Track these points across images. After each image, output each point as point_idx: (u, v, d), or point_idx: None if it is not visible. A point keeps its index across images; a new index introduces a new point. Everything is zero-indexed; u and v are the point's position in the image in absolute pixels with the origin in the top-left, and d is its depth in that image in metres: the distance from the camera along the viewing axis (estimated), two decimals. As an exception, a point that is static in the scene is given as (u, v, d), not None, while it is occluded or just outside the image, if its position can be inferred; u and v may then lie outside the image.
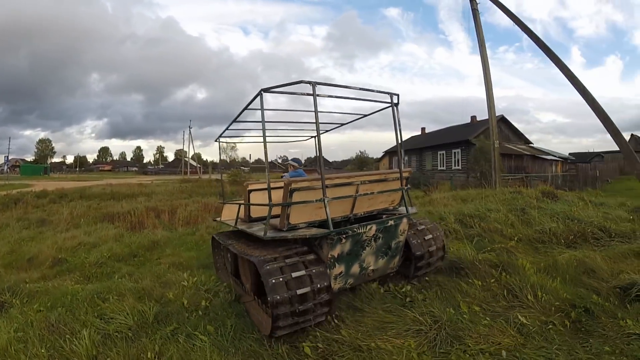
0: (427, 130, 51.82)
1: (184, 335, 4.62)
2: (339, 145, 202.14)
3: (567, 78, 14.92)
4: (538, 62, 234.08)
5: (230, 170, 46.52)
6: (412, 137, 54.15)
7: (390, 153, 52.53)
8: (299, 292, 4.16)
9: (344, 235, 4.65)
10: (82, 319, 5.11)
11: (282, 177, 8.78)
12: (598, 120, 13.74)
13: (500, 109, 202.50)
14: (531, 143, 39.54)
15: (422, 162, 43.25)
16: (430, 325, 4.41)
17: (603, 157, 47.11)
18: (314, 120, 4.54)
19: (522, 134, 39.57)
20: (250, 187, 6.56)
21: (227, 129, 6.61)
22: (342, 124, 6.03)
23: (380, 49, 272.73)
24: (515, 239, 8.14)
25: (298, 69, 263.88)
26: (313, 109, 4.47)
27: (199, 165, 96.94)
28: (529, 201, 11.40)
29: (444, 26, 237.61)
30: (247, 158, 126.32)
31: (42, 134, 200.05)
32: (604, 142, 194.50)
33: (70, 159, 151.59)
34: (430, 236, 6.05)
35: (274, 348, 4.28)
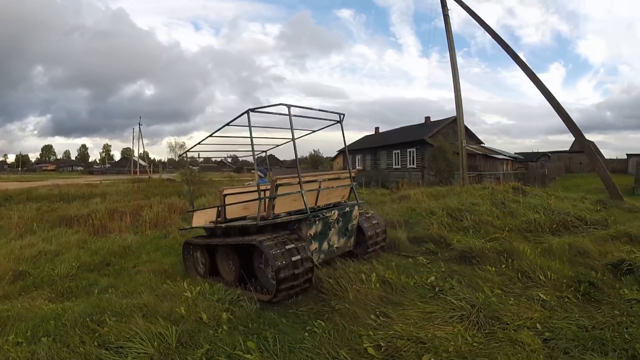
0: (381, 130, 52.85)
1: (223, 358, 3.96)
2: (288, 144, 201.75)
3: (534, 84, 15.92)
4: (485, 67, 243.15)
5: (183, 170, 45.77)
6: (365, 136, 55.13)
7: (344, 152, 53.08)
8: (293, 259, 5.24)
9: (317, 218, 5.94)
10: (81, 351, 4.07)
11: (246, 184, 9.58)
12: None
13: (447, 110, 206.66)
14: (482, 143, 41.06)
15: (377, 160, 44.24)
16: (470, 310, 4.73)
17: (550, 157, 49.34)
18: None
19: (474, 134, 41.09)
20: (225, 192, 7.39)
21: (199, 143, 7.37)
22: (298, 138, 6.74)
23: (332, 50, 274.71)
24: (507, 229, 8.77)
25: (249, 67, 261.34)
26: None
27: (145, 165, 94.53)
28: (506, 195, 12.09)
29: (395, 29, 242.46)
30: (196, 157, 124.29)
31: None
32: (546, 143, 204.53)
33: (11, 158, 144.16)
34: (376, 222, 7.39)
35: (334, 354, 3.97)
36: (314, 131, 7.82)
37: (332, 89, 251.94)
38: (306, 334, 4.37)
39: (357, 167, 47.60)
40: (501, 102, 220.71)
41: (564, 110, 15.32)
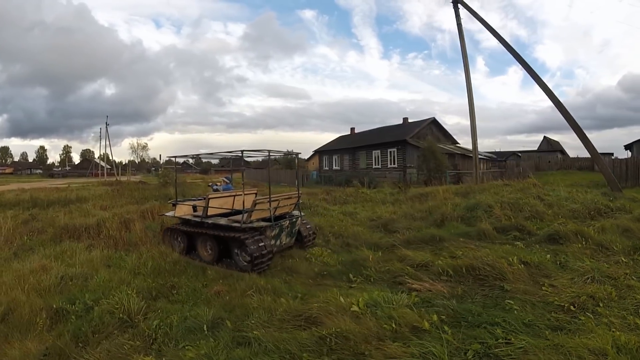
0: (357, 130, 54.07)
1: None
2: (251, 144, 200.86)
3: (539, 86, 17.27)
4: (445, 69, 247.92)
5: (160, 172, 45.44)
6: (341, 136, 56.35)
7: (320, 152, 54.17)
8: (262, 249, 7.89)
9: (276, 225, 8.64)
10: None
11: (212, 185, 12.04)
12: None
13: (408, 112, 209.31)
14: (458, 143, 42.83)
15: (356, 160, 45.27)
16: (590, 276, 6.03)
17: (520, 156, 51.76)
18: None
19: (450, 135, 42.90)
20: (210, 196, 9.58)
21: (188, 156, 11.01)
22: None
23: (295, 51, 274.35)
24: (559, 216, 10.17)
25: (212, 68, 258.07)
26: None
27: (107, 167, 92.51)
28: (529, 190, 13.45)
29: (357, 30, 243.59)
30: (157, 158, 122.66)
31: None
32: (504, 143, 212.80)
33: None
34: (310, 226, 10.12)
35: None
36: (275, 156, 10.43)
37: (294, 90, 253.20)
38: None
39: (334, 167, 48.77)
40: (461, 104, 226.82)
41: (567, 110, 16.79)
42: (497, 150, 59.36)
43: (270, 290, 6.28)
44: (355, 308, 4.82)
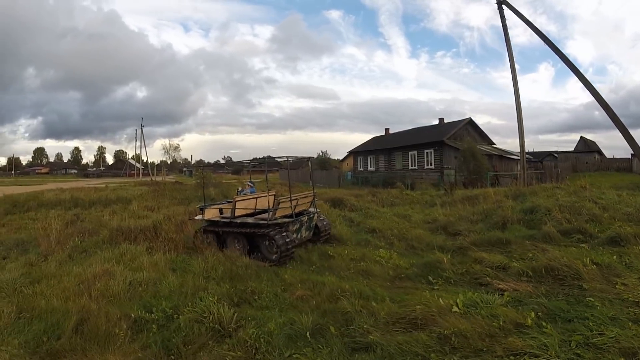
0: (391, 131, 54.29)
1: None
2: (280, 144, 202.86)
3: (582, 83, 17.51)
4: (474, 67, 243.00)
5: (196, 173, 46.56)
6: (375, 137, 56.69)
7: (354, 153, 54.71)
8: (288, 241, 9.14)
9: (297, 220, 9.96)
10: None
11: (239, 190, 13.75)
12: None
13: (437, 111, 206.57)
14: (494, 144, 42.72)
15: (392, 161, 45.46)
16: None
17: (556, 157, 51.25)
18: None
19: (486, 136, 42.68)
20: (236, 199, 10.68)
21: (225, 164, 12.08)
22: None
23: (323, 52, 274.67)
24: (616, 219, 10.61)
25: (241, 70, 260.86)
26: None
27: (140, 167, 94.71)
28: (581, 194, 13.83)
29: (383, 30, 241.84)
30: (189, 159, 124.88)
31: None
32: (536, 142, 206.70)
33: (2, 161, 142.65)
34: (326, 222, 11.49)
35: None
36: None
37: (323, 91, 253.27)
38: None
39: (369, 168, 49.25)
40: (490, 103, 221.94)
41: (613, 111, 17.01)
42: (531, 150, 58.78)
43: (356, 294, 6.40)
44: (456, 309, 5.17)
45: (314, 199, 11.40)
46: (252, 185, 13.18)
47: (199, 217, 11.33)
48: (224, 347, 4.96)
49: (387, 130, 54.83)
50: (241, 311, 5.94)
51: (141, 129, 73.57)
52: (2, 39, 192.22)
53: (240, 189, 13.94)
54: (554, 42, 19.17)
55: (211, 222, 10.77)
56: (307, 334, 5.08)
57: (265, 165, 15.41)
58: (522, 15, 20.95)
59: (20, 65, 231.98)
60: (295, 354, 4.64)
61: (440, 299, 5.54)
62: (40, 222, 14.78)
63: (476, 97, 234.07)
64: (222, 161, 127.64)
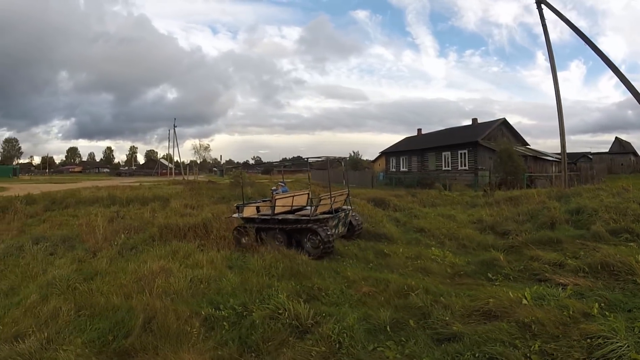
0: (423, 132, 54.30)
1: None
2: (308, 145, 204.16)
3: (621, 81, 17.64)
4: (503, 66, 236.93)
5: (230, 173, 47.51)
6: (407, 138, 56.88)
7: (386, 154, 55.01)
8: (329, 234, 9.83)
9: (335, 216, 10.65)
10: None
11: (273, 189, 14.39)
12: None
13: (467, 111, 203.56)
14: (528, 144, 42.49)
15: (424, 162, 45.52)
16: None
17: (591, 158, 50.63)
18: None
19: (520, 136, 42.36)
20: (276, 197, 11.41)
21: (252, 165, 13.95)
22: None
23: (351, 53, 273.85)
24: None
25: (270, 71, 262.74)
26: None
27: (171, 166, 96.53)
28: (624, 195, 14.07)
29: (411, 29, 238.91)
30: (218, 159, 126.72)
31: (7, 134, 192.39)
32: (567, 143, 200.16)
33: (37, 160, 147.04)
34: (358, 218, 12.31)
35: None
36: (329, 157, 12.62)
37: (351, 91, 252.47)
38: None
39: (401, 169, 49.53)
40: (521, 102, 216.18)
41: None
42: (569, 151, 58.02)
43: (423, 290, 6.68)
44: (525, 301, 5.48)
45: (348, 196, 12.19)
46: (284, 184, 14.08)
47: (236, 215, 11.91)
48: (307, 343, 5.01)
49: (419, 130, 54.87)
50: (312, 307, 5.93)
51: (174, 129, 75.52)
52: (35, 44, 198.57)
53: (274, 188, 14.71)
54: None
55: (248, 220, 11.40)
56: (387, 327, 5.36)
57: (294, 167, 16.93)
58: (562, 14, 21.15)
59: (54, 69, 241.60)
60: (379, 347, 4.88)
61: (510, 292, 5.87)
62: (81, 218, 15.61)
63: (506, 96, 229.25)
64: (251, 161, 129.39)
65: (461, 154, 39.86)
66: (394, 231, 12.44)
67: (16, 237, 12.79)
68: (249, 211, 11.69)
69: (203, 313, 5.99)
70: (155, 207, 18.63)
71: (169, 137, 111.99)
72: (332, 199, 10.70)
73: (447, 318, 5.37)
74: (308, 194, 12.96)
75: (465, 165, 39.35)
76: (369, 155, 68.80)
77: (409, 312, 5.87)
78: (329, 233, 9.84)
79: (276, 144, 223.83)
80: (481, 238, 11.37)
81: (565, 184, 21.16)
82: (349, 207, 12.06)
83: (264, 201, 12.69)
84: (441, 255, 9.64)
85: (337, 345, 4.90)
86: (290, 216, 10.83)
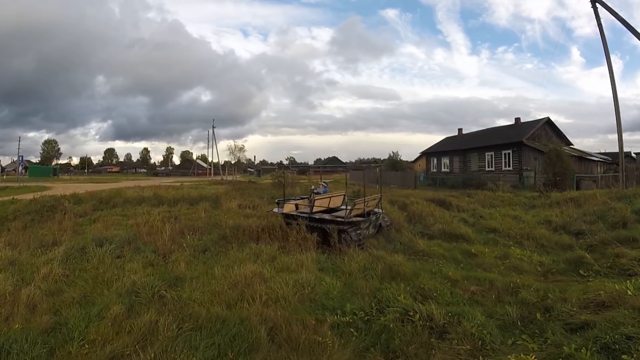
0: (464, 131, 54.49)
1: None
2: (341, 145, 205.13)
3: None
4: (537, 62, 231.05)
5: (275, 172, 48.73)
6: (447, 137, 57.07)
7: (427, 154, 55.43)
8: (361, 235, 10.90)
9: (367, 219, 11.47)
10: None
11: (313, 189, 15.48)
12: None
13: (502, 110, 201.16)
14: (572, 144, 42.24)
15: (467, 162, 45.65)
16: None
17: (635, 159, 49.70)
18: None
19: (564, 136, 42.00)
20: (315, 198, 12.47)
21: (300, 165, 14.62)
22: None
23: (383, 53, 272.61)
24: None
25: (302, 72, 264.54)
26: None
27: (206, 167, 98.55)
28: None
29: (442, 27, 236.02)
30: (252, 159, 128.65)
31: (46, 136, 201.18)
32: (605, 143, 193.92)
33: (75, 160, 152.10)
34: (387, 219, 13.11)
35: None
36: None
37: (383, 91, 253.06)
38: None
39: (442, 170, 49.90)
40: (557, 100, 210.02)
41: None
42: (602, 151, 57.25)
43: (527, 287, 7.18)
44: (629, 292, 5.98)
45: (380, 200, 13.16)
46: (325, 185, 15.55)
47: (275, 210, 13.12)
48: (451, 343, 5.09)
49: (460, 130, 55.02)
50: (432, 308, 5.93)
51: (212, 130, 77.98)
52: (74, 50, 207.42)
53: (313, 187, 15.80)
54: (620, 32, 19.85)
55: (287, 215, 12.36)
56: (518, 322, 5.72)
57: (330, 168, 18.57)
58: (617, 14, 21.37)
59: (91, 73, 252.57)
60: (517, 341, 5.12)
61: (616, 285, 6.39)
62: (132, 218, 15.79)
63: (541, 94, 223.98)
64: (285, 162, 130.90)
65: (505, 154, 39.73)
66: (469, 232, 12.97)
67: (72, 237, 12.06)
68: (289, 208, 12.77)
69: (328, 320, 5.82)
70: (207, 207, 18.75)
71: (208, 138, 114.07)
72: (365, 203, 11.66)
73: (572, 309, 5.82)
74: (344, 195, 14.04)
75: (509, 166, 39.16)
76: (404, 155, 69.19)
77: (529, 308, 6.30)
78: (360, 237, 10.87)
79: (309, 145, 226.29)
80: (557, 238, 11.93)
81: (623, 184, 21.49)
82: (380, 211, 13.01)
83: (302, 199, 13.92)
84: (526, 254, 10.07)
85: (480, 342, 5.06)
86: (326, 216, 11.80)
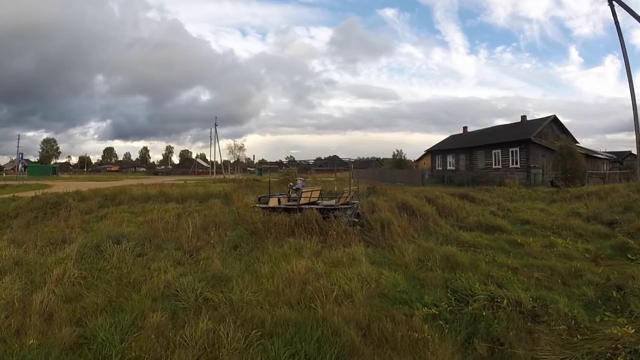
0: (469, 130, 55.18)
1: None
2: (340, 145, 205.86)
3: None
4: (536, 62, 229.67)
5: (283, 170, 49.03)
6: (452, 136, 57.86)
7: (432, 152, 56.02)
8: (350, 217, 12.81)
9: (351, 207, 13.32)
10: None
11: (292, 185, 16.94)
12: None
13: (500, 110, 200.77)
14: (578, 142, 42.72)
15: (473, 160, 46.29)
16: None
17: (636, 156, 50.37)
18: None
19: (570, 134, 42.50)
20: (303, 191, 14.04)
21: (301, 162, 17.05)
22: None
23: (382, 53, 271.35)
24: None
25: (301, 72, 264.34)
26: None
27: (207, 166, 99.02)
28: None
29: (440, 26, 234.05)
30: (251, 158, 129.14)
31: (45, 135, 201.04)
32: (603, 143, 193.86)
33: (74, 160, 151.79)
34: (362, 210, 14.39)
35: None
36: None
37: (382, 91, 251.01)
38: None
39: (448, 167, 50.44)
40: (555, 100, 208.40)
41: None
42: (602, 150, 57.75)
43: (587, 271, 7.65)
44: None
45: (357, 191, 16.11)
46: (303, 180, 17.46)
47: (260, 205, 14.33)
48: (550, 325, 5.15)
49: (465, 128, 55.80)
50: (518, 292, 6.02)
51: (215, 129, 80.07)
52: (73, 49, 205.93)
53: (291, 184, 17.32)
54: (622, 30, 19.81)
55: (273, 209, 13.61)
56: (598, 301, 5.99)
57: (329, 165, 20.58)
58: (633, 11, 21.84)
59: (90, 73, 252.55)
60: (604, 318, 5.36)
61: None
62: (142, 215, 15.74)
63: (539, 94, 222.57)
64: (284, 161, 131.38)
65: (512, 151, 40.32)
66: (505, 223, 13.36)
67: (81, 235, 11.33)
68: (274, 202, 14.02)
69: (417, 313, 5.60)
70: (218, 204, 18.61)
71: (210, 136, 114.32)
72: (349, 193, 13.97)
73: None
74: (320, 190, 15.67)
75: (516, 164, 39.71)
76: (405, 154, 69.53)
77: (600, 288, 6.61)
78: (349, 219, 12.67)
79: (308, 144, 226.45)
80: (592, 227, 12.39)
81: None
82: (358, 202, 14.91)
83: (280, 195, 15.05)
84: (569, 243, 10.45)
85: (574, 322, 5.15)
86: (319, 205, 13.57)
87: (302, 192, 13.93)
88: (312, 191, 14.49)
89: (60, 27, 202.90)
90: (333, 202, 14.12)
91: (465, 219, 14.42)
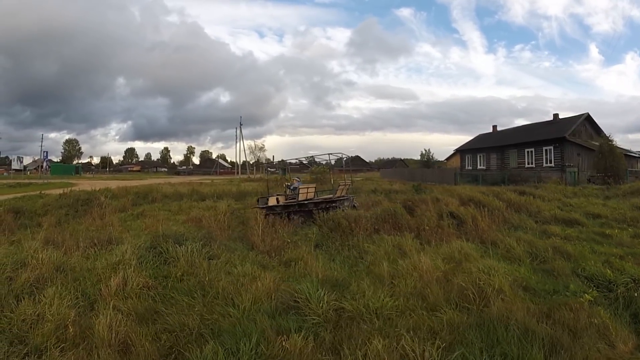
0: (499, 128, 55.26)
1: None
2: (358, 145, 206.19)
3: None
4: (555, 60, 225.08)
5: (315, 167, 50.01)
6: (480, 135, 58.25)
7: (461, 151, 56.52)
8: (347, 207, 14.57)
9: (347, 199, 15.70)
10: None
11: (288, 184, 17.78)
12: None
13: (519, 109, 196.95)
14: (611, 140, 42.81)
15: (505, 159, 46.14)
16: None
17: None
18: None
19: (603, 132, 41.48)
20: (300, 187, 15.37)
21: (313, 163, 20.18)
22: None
23: (400, 53, 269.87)
24: None
25: (320, 73, 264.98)
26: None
27: (228, 166, 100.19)
28: None
29: (457, 25, 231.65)
30: (271, 159, 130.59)
31: (67, 136, 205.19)
32: (625, 142, 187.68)
33: (96, 160, 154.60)
34: (357, 202, 16.34)
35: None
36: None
37: (401, 91, 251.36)
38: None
39: (478, 167, 51.00)
40: (576, 99, 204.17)
41: None
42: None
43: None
44: None
45: (351, 185, 18.06)
46: (299, 179, 18.81)
47: (261, 204, 15.13)
48: None
49: (494, 127, 55.91)
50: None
51: (240, 128, 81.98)
52: (95, 53, 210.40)
53: (288, 183, 18.22)
54: (638, 28, 20.33)
55: (272, 207, 14.52)
56: None
57: (345, 165, 27.39)
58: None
59: (112, 76, 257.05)
60: None
61: None
62: (182, 213, 16.36)
63: (559, 93, 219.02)
64: (304, 161, 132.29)
65: (546, 150, 40.06)
66: (580, 217, 13.90)
67: (125, 234, 10.60)
68: (273, 201, 15.07)
69: (583, 300, 5.52)
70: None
71: (235, 136, 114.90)
72: (345, 187, 16.23)
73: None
74: (314, 187, 16.83)
75: (550, 162, 39.45)
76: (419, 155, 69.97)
77: None
78: (347, 207, 14.57)
79: (326, 145, 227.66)
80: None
81: None
82: (352, 196, 16.86)
83: (277, 195, 16.16)
84: (616, 234, 11.03)
85: None
86: (319, 200, 15.30)
87: (299, 190, 15.25)
88: (308, 188, 15.77)
89: (82, 32, 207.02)
90: (330, 196, 16.00)
91: (538, 213, 14.68)
